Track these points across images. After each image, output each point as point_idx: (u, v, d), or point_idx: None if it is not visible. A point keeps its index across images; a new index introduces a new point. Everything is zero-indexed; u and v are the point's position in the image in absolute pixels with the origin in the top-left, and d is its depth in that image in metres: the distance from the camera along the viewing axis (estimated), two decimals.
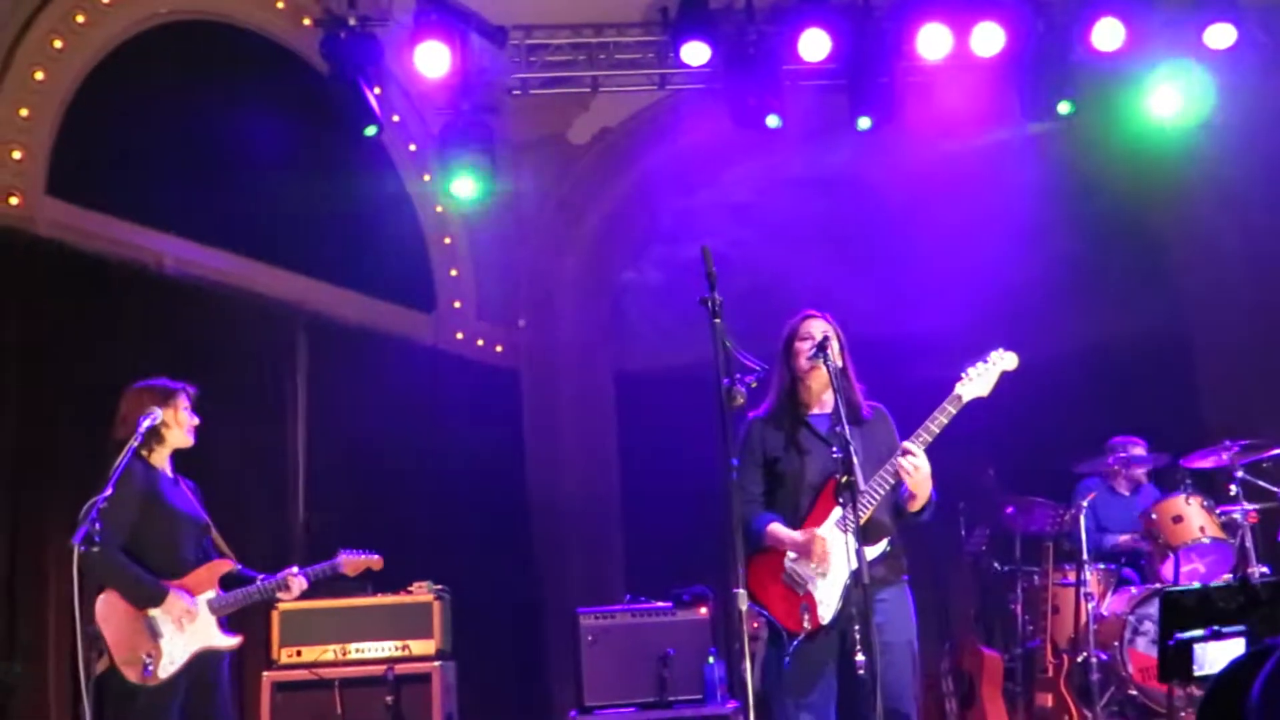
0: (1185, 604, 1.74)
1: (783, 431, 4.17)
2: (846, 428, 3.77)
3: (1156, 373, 8.42)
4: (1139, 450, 6.42)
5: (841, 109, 8.00)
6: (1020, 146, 8.34)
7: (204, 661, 4.28)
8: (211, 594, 4.36)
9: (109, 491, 3.94)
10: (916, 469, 3.88)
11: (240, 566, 4.52)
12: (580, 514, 8.80)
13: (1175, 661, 1.70)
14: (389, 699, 5.36)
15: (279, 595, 4.56)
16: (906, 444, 3.93)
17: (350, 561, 4.83)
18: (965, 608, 6.14)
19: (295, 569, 4.57)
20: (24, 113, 5.89)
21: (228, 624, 4.43)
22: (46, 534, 5.46)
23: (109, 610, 4.12)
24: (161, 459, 4.44)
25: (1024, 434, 7.45)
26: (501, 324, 8.81)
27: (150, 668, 4.07)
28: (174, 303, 6.42)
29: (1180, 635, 1.70)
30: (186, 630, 4.23)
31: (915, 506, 4.01)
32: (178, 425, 4.41)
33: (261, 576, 4.51)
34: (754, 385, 3.81)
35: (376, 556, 4.93)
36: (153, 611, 4.16)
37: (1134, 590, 5.95)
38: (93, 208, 6.16)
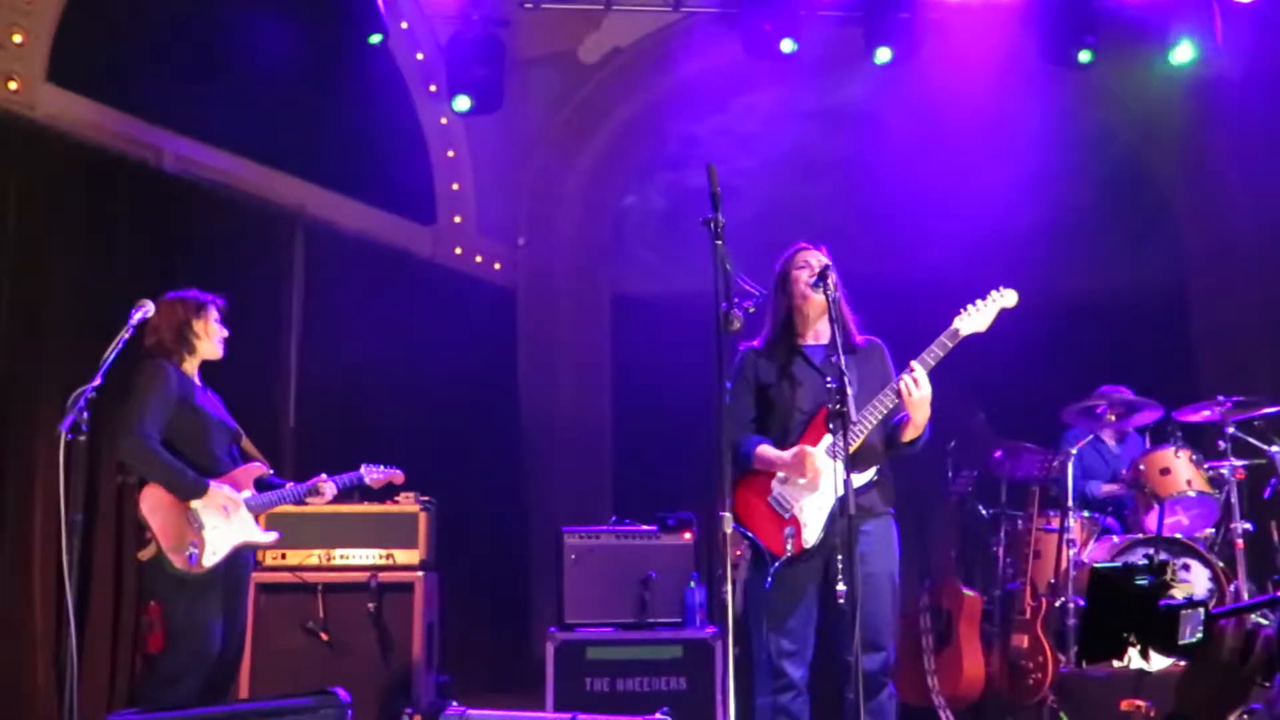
0: (1113, 580, 1.75)
1: (776, 361, 4.16)
2: (842, 358, 3.76)
3: (1154, 325, 8.41)
4: (1129, 398, 6.40)
5: (856, 42, 7.90)
6: (1034, 91, 8.25)
7: (241, 556, 4.42)
8: (248, 494, 4.46)
9: (98, 381, 4.02)
10: (917, 385, 3.86)
11: (272, 472, 4.61)
12: (571, 434, 8.83)
13: (1161, 631, 1.71)
14: (371, 606, 5.41)
15: (308, 500, 4.65)
16: (912, 364, 3.92)
17: (374, 476, 4.89)
18: (947, 548, 6.16)
19: (324, 476, 4.68)
20: None
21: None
22: (36, 423, 5.46)
23: (155, 501, 4.20)
24: (192, 368, 4.50)
25: (1016, 379, 7.44)
26: (501, 241, 8.76)
27: (195, 556, 4.18)
28: (172, 199, 6.36)
29: (1170, 601, 1.71)
30: (231, 521, 4.32)
31: (908, 435, 4.01)
32: (208, 336, 4.48)
33: (292, 484, 4.60)
34: (751, 310, 3.78)
35: (399, 471, 4.99)
36: (194, 504, 4.25)
37: (1115, 539, 5.98)
38: (94, 97, 6.07)
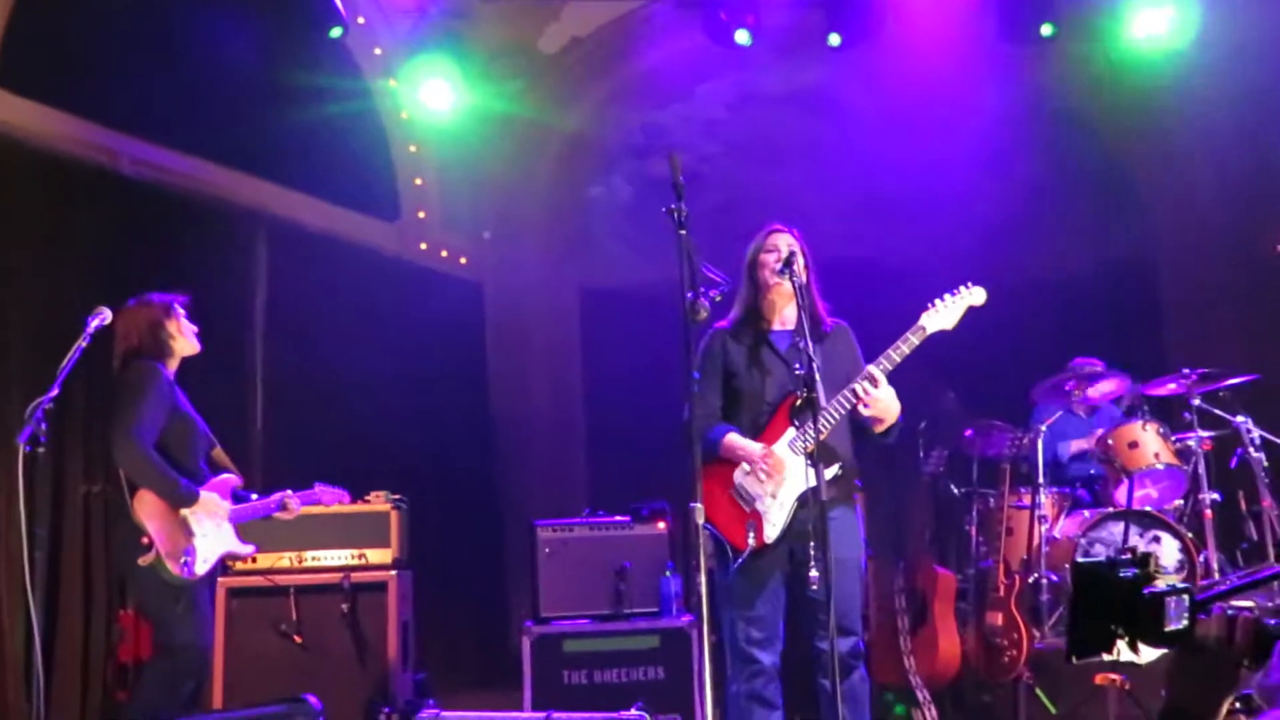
0: (1096, 574, 1.76)
1: (744, 347, 4.15)
2: (810, 344, 3.75)
3: (1122, 301, 8.46)
4: (1098, 371, 6.44)
5: (817, 26, 7.89)
6: (995, 70, 8.27)
7: (220, 564, 4.48)
8: (227, 505, 4.46)
9: (55, 391, 3.98)
10: (874, 398, 3.87)
11: (242, 483, 4.62)
12: (542, 427, 8.80)
13: (1147, 620, 1.71)
14: (344, 607, 5.38)
15: (277, 516, 4.68)
16: (869, 368, 3.92)
17: (329, 495, 4.93)
18: (921, 528, 6.19)
19: (290, 492, 4.70)
20: None
21: None
22: None
23: (151, 507, 4.20)
24: (171, 370, 4.46)
25: (986, 358, 7.46)
26: (466, 236, 8.71)
27: (189, 564, 4.19)
28: (131, 204, 6.27)
29: (1154, 589, 1.72)
30: (219, 530, 4.36)
31: (880, 429, 4.02)
32: (181, 335, 4.47)
33: (257, 496, 4.61)
34: (718, 299, 3.77)
35: (346, 493, 5.06)
36: (184, 511, 4.24)
37: (1086, 514, 6.02)
38: (46, 102, 5.97)
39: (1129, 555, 1.83)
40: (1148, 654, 1.79)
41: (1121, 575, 1.80)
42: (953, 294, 4.08)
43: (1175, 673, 1.78)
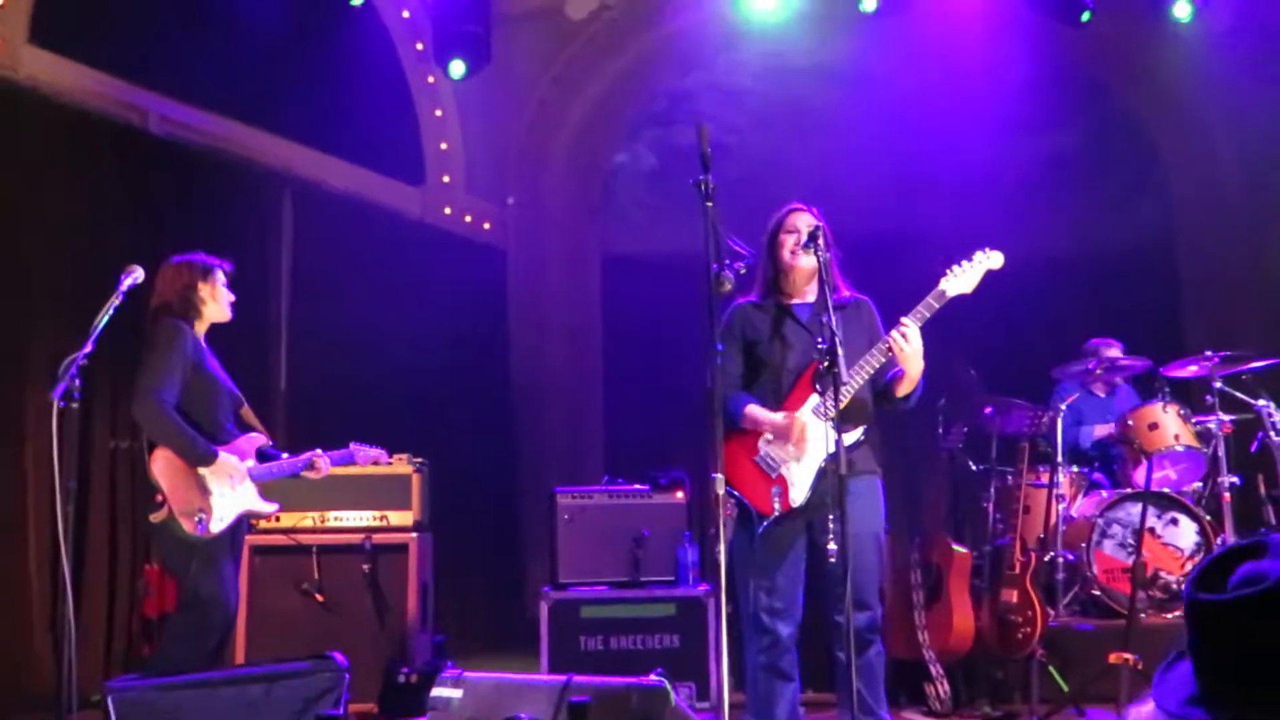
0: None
1: (766, 319, 4.16)
2: (832, 317, 3.75)
3: (1142, 279, 8.43)
4: (1115, 352, 6.44)
5: None
6: (1022, 44, 8.21)
7: (242, 523, 4.47)
8: (251, 463, 4.46)
9: (89, 348, 4.00)
10: (907, 340, 3.85)
11: (271, 443, 4.62)
12: (561, 394, 8.84)
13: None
14: (365, 567, 5.43)
15: (305, 475, 4.65)
16: (895, 330, 3.91)
17: (364, 455, 4.91)
18: (938, 504, 6.19)
19: (320, 451, 4.68)
20: None
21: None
22: (25, 389, 5.45)
23: (166, 464, 4.23)
24: (201, 331, 4.47)
25: (1007, 334, 7.47)
26: (490, 201, 8.72)
27: (204, 523, 4.21)
28: (158, 162, 6.31)
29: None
30: (237, 489, 4.35)
31: (902, 390, 4.01)
32: (214, 300, 4.46)
33: (286, 455, 4.61)
34: (743, 271, 3.78)
35: (385, 452, 5.06)
36: (203, 470, 4.26)
37: (1104, 494, 6.02)
38: (77, 59, 6.00)
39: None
40: None
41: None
42: (970, 259, 4.08)
43: None
